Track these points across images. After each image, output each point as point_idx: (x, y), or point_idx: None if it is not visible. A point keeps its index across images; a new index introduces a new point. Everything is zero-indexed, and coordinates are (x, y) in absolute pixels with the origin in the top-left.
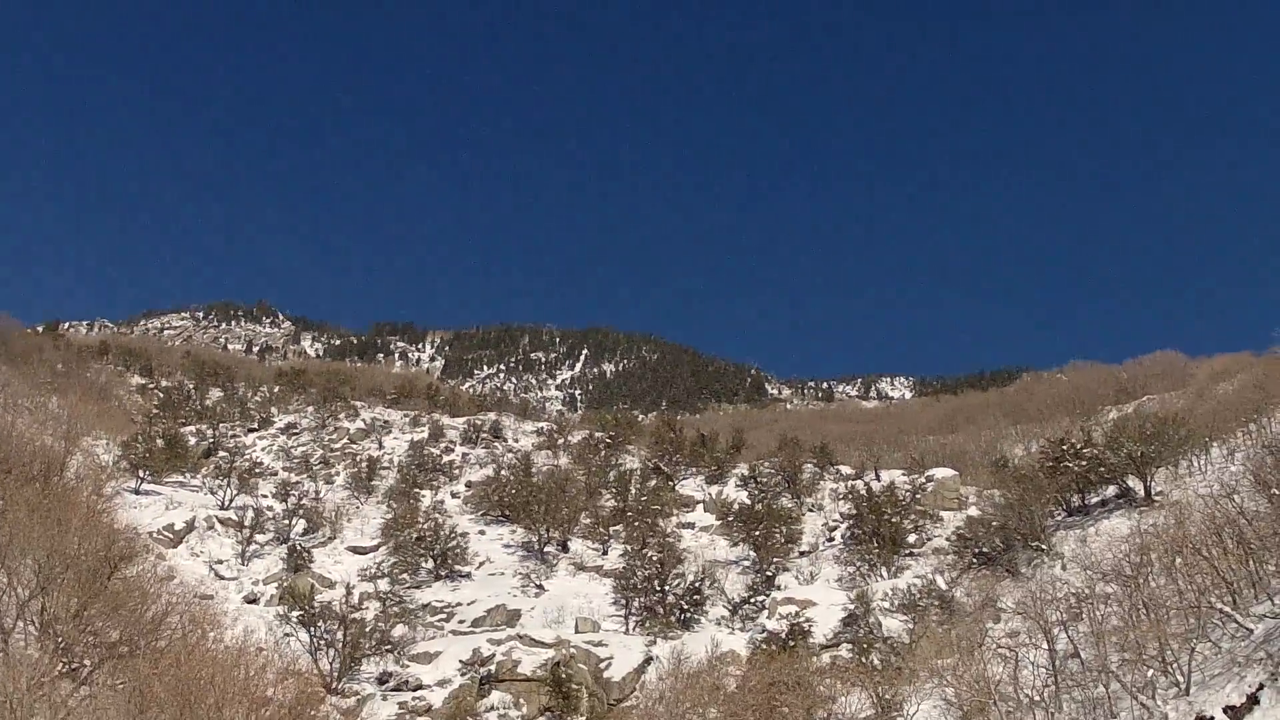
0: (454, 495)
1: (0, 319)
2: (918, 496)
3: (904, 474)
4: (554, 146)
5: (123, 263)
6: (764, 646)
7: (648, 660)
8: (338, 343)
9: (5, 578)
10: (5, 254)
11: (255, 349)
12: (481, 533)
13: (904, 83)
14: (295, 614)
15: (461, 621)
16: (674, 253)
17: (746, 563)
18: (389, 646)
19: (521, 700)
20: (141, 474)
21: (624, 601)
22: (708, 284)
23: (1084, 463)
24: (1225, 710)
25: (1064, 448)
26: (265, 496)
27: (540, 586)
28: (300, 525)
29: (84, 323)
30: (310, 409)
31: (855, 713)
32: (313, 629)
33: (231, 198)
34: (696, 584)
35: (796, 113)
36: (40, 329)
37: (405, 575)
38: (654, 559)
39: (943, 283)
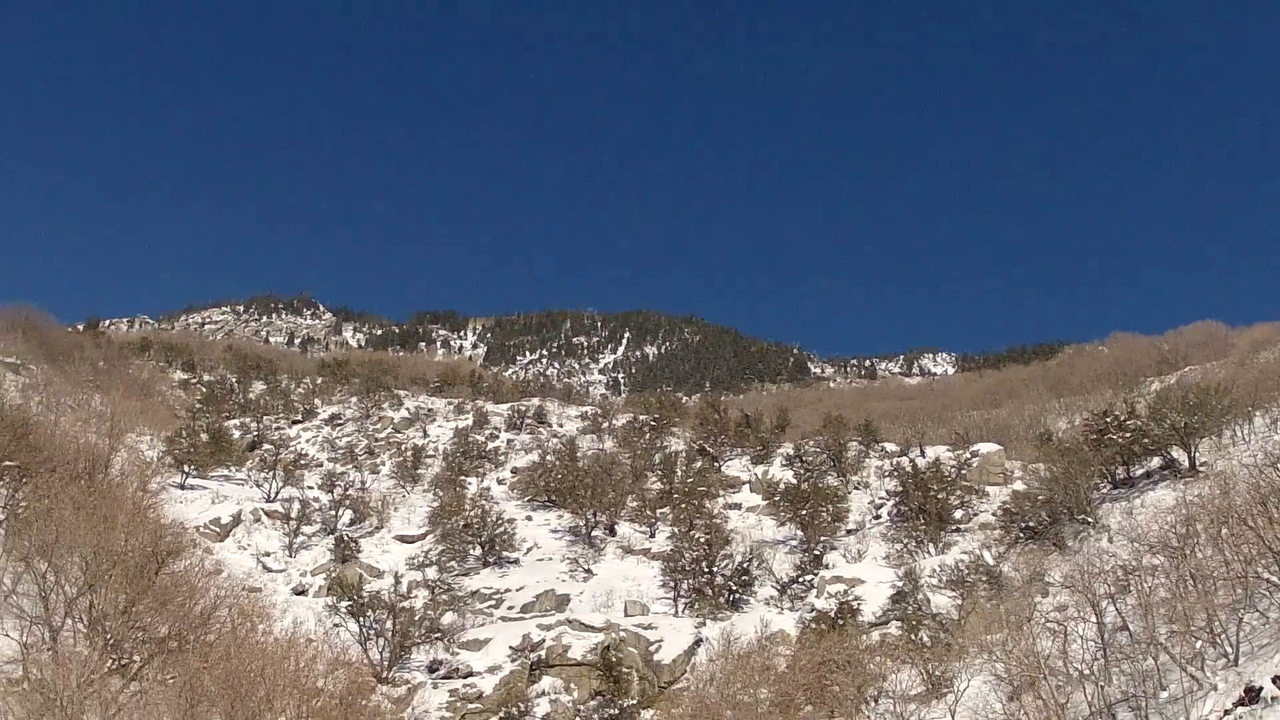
0: (500, 482)
1: (40, 318)
2: (963, 472)
3: (949, 450)
4: (591, 130)
5: (162, 259)
6: (813, 625)
7: (697, 642)
8: (379, 333)
9: (53, 576)
10: (43, 253)
11: (297, 341)
12: (528, 518)
13: (941, 59)
14: (344, 604)
15: (510, 608)
16: (714, 234)
17: (794, 542)
18: (438, 634)
19: (572, 685)
20: (186, 469)
21: (672, 584)
22: (749, 264)
23: (1128, 435)
24: (1274, 680)
25: (1107, 420)
26: (311, 488)
27: (588, 571)
28: (347, 515)
29: (124, 319)
30: (354, 399)
31: (906, 690)
32: (362, 619)
33: (270, 191)
34: (744, 564)
35: (835, 91)
36: (80, 327)
37: (453, 563)
38: (701, 540)
39: (983, 257)
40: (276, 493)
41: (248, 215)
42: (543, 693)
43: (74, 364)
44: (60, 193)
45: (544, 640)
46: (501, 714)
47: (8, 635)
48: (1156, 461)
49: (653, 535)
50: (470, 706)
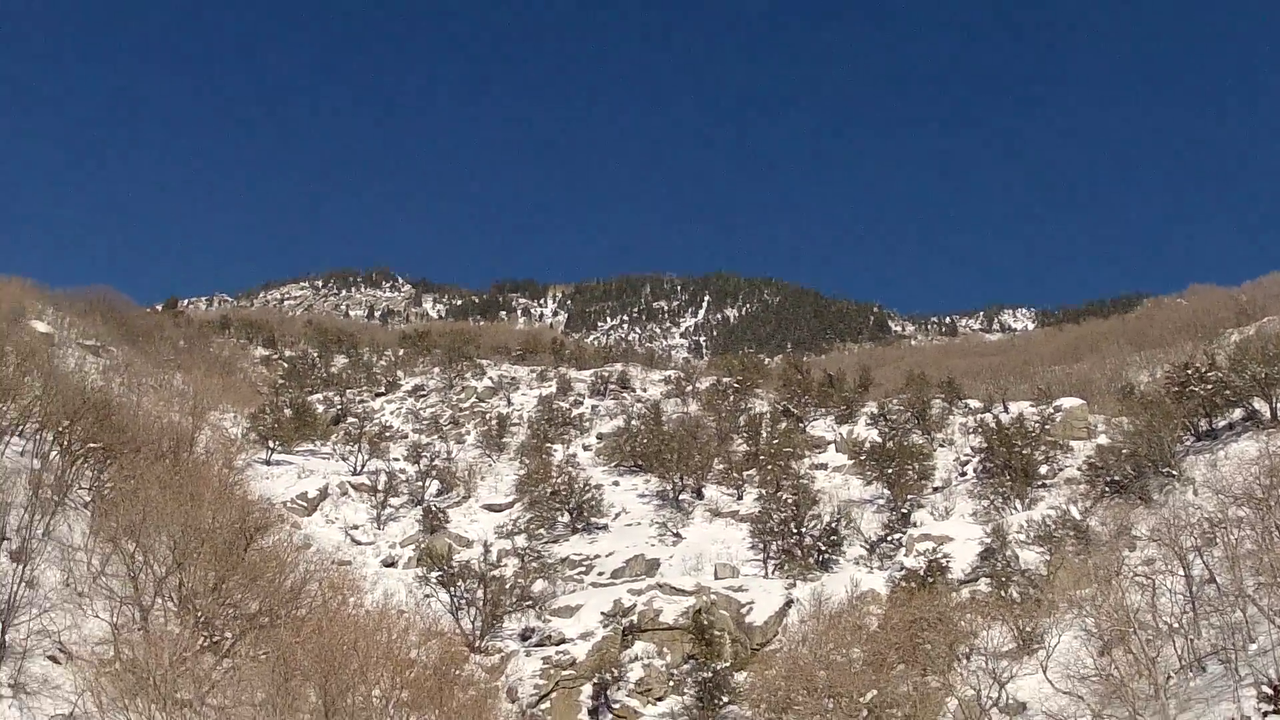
0: (586, 448)
1: (118, 300)
2: (1046, 427)
3: (1032, 405)
4: (664, 93)
5: (239, 237)
6: (903, 584)
7: (788, 603)
8: (459, 303)
9: (141, 556)
10: (120, 236)
11: (377, 314)
12: (615, 484)
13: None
14: (434, 575)
15: (601, 573)
16: (792, 193)
17: (881, 501)
18: (530, 602)
19: (665, 649)
20: (271, 445)
21: (761, 545)
22: (828, 223)
23: (1209, 387)
24: None
25: (1188, 372)
26: (397, 460)
27: (677, 535)
28: (434, 486)
29: (202, 298)
30: (436, 370)
31: (998, 647)
32: (453, 589)
33: (345, 165)
34: (833, 524)
35: (905, 44)
36: (159, 307)
37: (542, 530)
38: (789, 501)
39: (1059, 208)
40: (363, 465)
41: (323, 190)
42: (635, 657)
43: (154, 344)
44: (135, 175)
45: (635, 605)
46: (595, 679)
47: (98, 616)
48: (1238, 413)
49: (740, 497)
50: (564, 673)
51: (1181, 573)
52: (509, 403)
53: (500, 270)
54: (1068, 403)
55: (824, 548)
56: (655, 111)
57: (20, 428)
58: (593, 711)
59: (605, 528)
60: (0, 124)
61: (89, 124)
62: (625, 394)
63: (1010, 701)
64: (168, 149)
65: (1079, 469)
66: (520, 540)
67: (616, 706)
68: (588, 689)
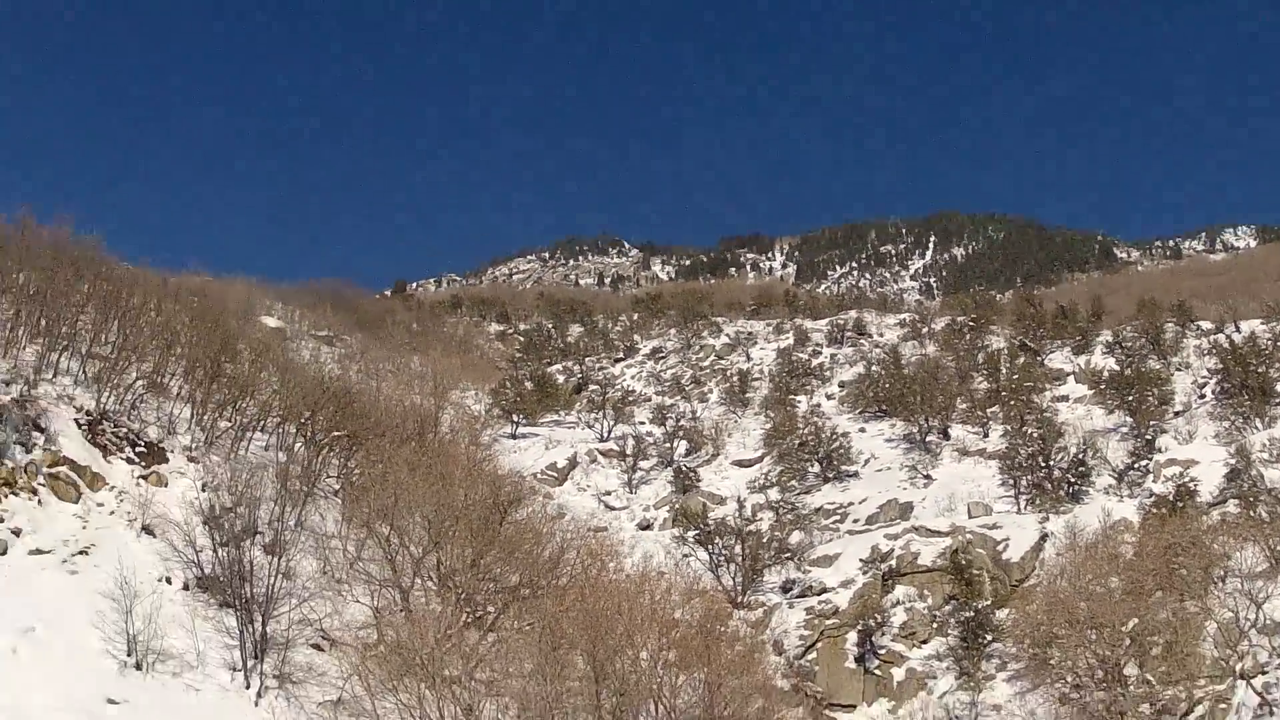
0: (829, 397)
1: (345, 289)
2: (1279, 344)
3: (1262, 323)
4: (869, 37)
5: (460, 217)
6: (1154, 510)
7: (1043, 537)
8: (687, 263)
9: (396, 538)
10: (344, 228)
11: (606, 281)
12: (862, 430)
13: None
14: (691, 534)
15: (855, 521)
16: (1009, 123)
17: (1124, 429)
18: (788, 554)
19: (925, 591)
20: (515, 418)
21: (1011, 481)
22: (1043, 152)
23: None
24: None
25: None
26: (643, 423)
27: (928, 476)
28: (682, 446)
29: (430, 280)
30: (672, 331)
31: (1251, 568)
32: (710, 546)
33: (565, 134)
34: (1080, 455)
35: None
36: (388, 293)
37: (793, 482)
38: (1035, 435)
39: (1269, 119)
40: (609, 432)
41: (548, 160)
42: (897, 602)
43: (386, 329)
44: (350, 165)
45: (892, 550)
46: (859, 626)
47: (358, 601)
48: None
49: (986, 435)
50: (828, 622)
51: None
52: (748, 358)
53: (726, 227)
54: None
55: (1073, 479)
56: (863, 54)
57: (261, 423)
58: (859, 658)
59: (855, 475)
60: (223, 130)
61: (293, 117)
62: (862, 340)
63: (1268, 622)
64: (381, 135)
65: None
66: (773, 493)
67: (882, 652)
68: (852, 636)
